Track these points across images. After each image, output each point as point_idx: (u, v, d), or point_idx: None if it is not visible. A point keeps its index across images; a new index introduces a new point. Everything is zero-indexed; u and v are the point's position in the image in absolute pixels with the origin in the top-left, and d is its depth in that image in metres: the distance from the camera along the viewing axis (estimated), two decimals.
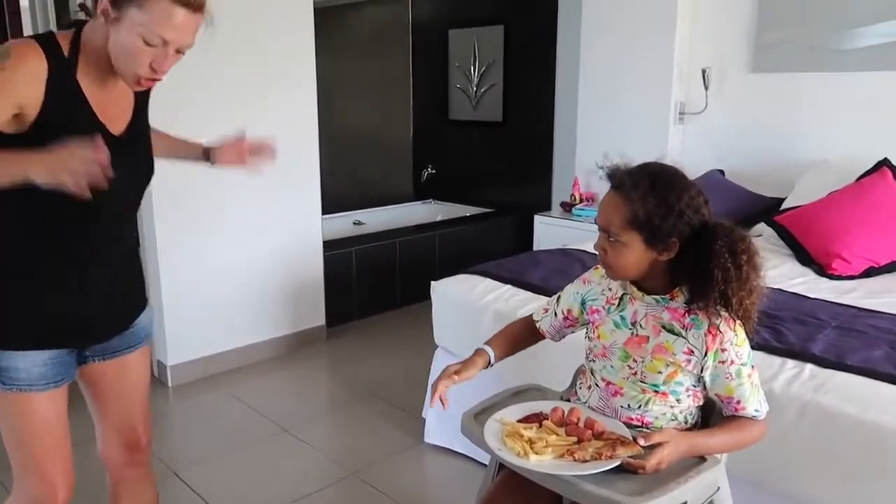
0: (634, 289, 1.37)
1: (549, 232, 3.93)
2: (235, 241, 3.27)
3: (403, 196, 5.57)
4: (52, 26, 3.55)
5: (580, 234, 3.61)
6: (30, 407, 1.36)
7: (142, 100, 1.44)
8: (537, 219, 4.04)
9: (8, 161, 1.17)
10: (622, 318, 1.38)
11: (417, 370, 2.93)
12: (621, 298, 1.40)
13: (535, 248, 3.89)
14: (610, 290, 1.44)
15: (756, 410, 1.32)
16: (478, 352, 1.50)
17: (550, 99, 4.53)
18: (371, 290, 4.04)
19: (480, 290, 2.45)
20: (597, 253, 1.36)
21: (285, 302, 3.52)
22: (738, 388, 1.30)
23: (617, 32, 3.76)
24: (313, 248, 3.61)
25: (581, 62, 3.95)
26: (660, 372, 1.32)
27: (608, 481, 1.19)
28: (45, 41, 1.26)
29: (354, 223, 4.89)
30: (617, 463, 1.21)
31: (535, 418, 1.36)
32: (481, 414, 1.42)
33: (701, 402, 1.39)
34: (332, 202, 4.16)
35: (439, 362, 2.60)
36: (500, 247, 4.39)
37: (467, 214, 4.86)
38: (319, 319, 3.70)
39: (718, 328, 1.28)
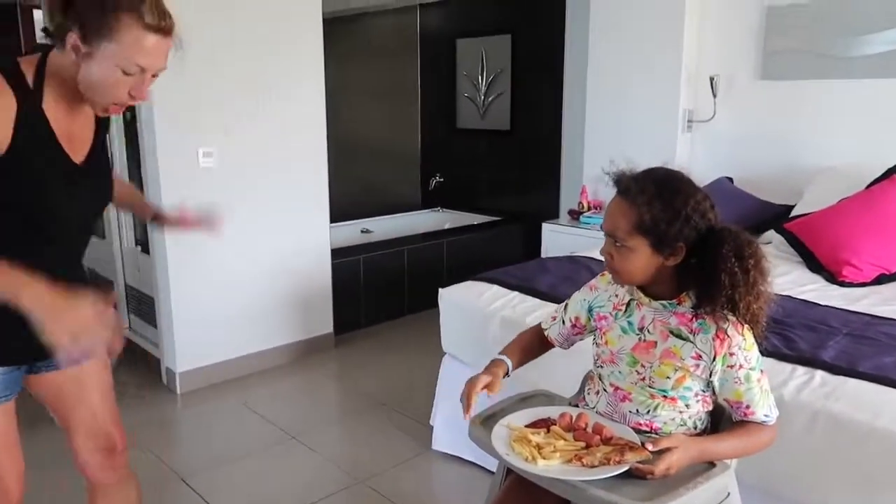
0: (641, 294, 1.37)
1: (556, 240, 3.93)
2: (244, 249, 3.29)
3: (411, 204, 5.59)
4: None
5: (588, 242, 3.60)
6: None
7: (102, 126, 1.45)
8: (545, 226, 4.04)
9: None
10: (629, 323, 1.38)
11: (425, 377, 2.93)
12: (628, 304, 1.40)
13: (543, 255, 3.88)
14: (617, 296, 1.44)
15: (766, 415, 1.31)
16: (495, 362, 1.49)
17: (558, 107, 4.54)
18: (379, 297, 4.04)
19: (488, 296, 2.45)
20: (604, 259, 1.36)
21: (293, 309, 3.53)
22: (746, 393, 1.29)
23: (624, 40, 3.77)
24: (321, 256, 3.62)
25: (589, 70, 3.96)
26: (668, 377, 1.31)
27: (617, 486, 1.19)
28: (10, 73, 1.25)
29: (362, 231, 4.90)
30: (626, 468, 1.20)
31: (543, 423, 1.36)
32: (489, 419, 1.42)
33: (710, 408, 1.38)
34: (340, 210, 4.18)
35: (447, 369, 2.59)
36: (507, 255, 4.39)
37: (475, 223, 4.87)
38: (327, 327, 3.70)
39: (726, 332, 1.27)
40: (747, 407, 1.30)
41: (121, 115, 3.46)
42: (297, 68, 3.34)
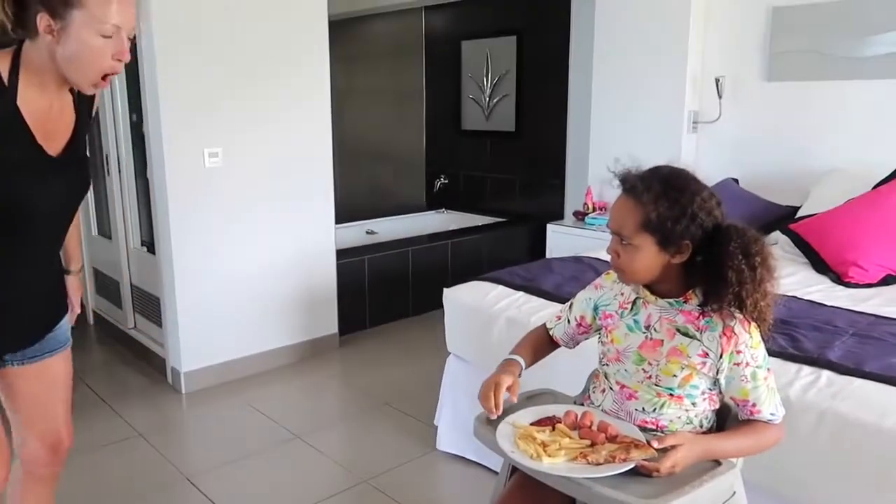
0: (647, 292, 1.37)
1: (561, 241, 3.92)
2: (249, 250, 3.30)
3: (416, 205, 5.59)
4: None
5: (593, 243, 3.60)
6: None
7: (83, 119, 1.46)
8: (550, 227, 4.04)
9: None
10: (635, 321, 1.38)
11: (430, 378, 2.93)
12: (634, 302, 1.40)
13: (548, 257, 3.88)
14: (622, 294, 1.43)
15: (772, 414, 1.30)
16: (510, 362, 1.47)
17: (563, 109, 4.54)
18: (383, 298, 4.05)
19: (493, 296, 2.45)
20: (610, 258, 1.35)
21: (298, 310, 3.54)
22: (753, 391, 1.29)
23: (630, 42, 3.77)
24: (326, 257, 3.63)
25: (594, 72, 3.96)
26: (675, 375, 1.31)
27: (622, 484, 1.18)
28: None
29: (367, 232, 4.91)
30: (631, 466, 1.20)
31: (548, 421, 1.36)
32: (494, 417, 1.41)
33: (717, 406, 1.38)
34: (345, 211, 4.19)
35: (451, 370, 2.59)
36: (512, 256, 4.39)
37: (480, 224, 4.87)
38: (332, 327, 3.71)
39: (733, 330, 1.27)
40: (753, 405, 1.30)
41: (128, 118, 3.47)
42: (302, 70, 3.35)
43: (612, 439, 1.28)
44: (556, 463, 1.23)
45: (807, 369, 1.74)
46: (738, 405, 1.33)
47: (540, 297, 2.39)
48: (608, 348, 1.42)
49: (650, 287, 1.36)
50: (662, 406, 1.34)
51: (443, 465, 2.55)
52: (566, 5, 4.38)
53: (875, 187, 2.81)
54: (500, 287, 2.51)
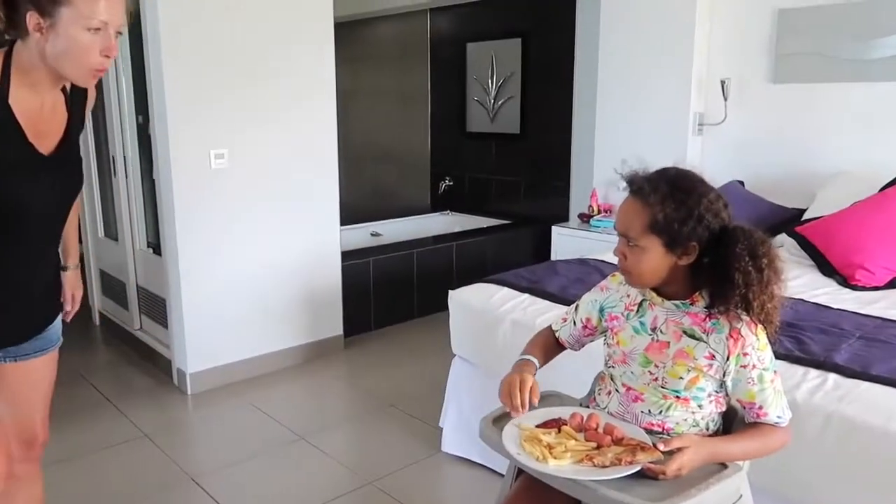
0: (654, 294, 1.37)
1: (566, 243, 3.92)
2: (255, 251, 3.31)
3: (421, 208, 5.60)
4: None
5: (598, 246, 3.60)
6: None
7: (75, 119, 1.48)
8: (555, 230, 4.04)
9: None
10: (642, 323, 1.38)
11: (434, 380, 2.93)
12: (640, 304, 1.40)
13: (553, 259, 3.88)
14: (628, 296, 1.43)
15: (778, 417, 1.30)
16: (525, 362, 1.45)
17: (568, 111, 4.54)
18: (388, 300, 4.05)
19: (498, 298, 2.45)
20: (615, 262, 1.35)
21: (303, 311, 3.54)
22: (760, 394, 1.28)
23: (635, 44, 3.77)
24: (331, 259, 3.64)
25: (599, 74, 3.96)
26: (681, 377, 1.31)
27: (628, 487, 1.18)
28: None
29: (372, 234, 4.92)
30: (637, 468, 1.20)
31: (554, 424, 1.35)
32: (499, 419, 1.42)
33: (723, 409, 1.38)
34: (350, 213, 4.19)
35: (456, 371, 2.59)
36: (517, 258, 4.39)
37: (484, 226, 4.87)
38: (337, 329, 3.71)
39: (740, 332, 1.27)
40: (760, 408, 1.30)
41: (135, 120, 3.49)
42: (308, 72, 3.36)
43: (618, 442, 1.28)
44: (561, 465, 1.23)
45: (813, 372, 1.74)
46: (744, 408, 1.33)
47: (545, 300, 2.39)
48: (614, 350, 1.42)
49: (657, 289, 1.36)
50: (669, 408, 1.34)
51: (448, 467, 2.55)
52: (571, 7, 4.38)
53: (881, 190, 2.80)
54: (506, 289, 2.51)
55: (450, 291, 2.60)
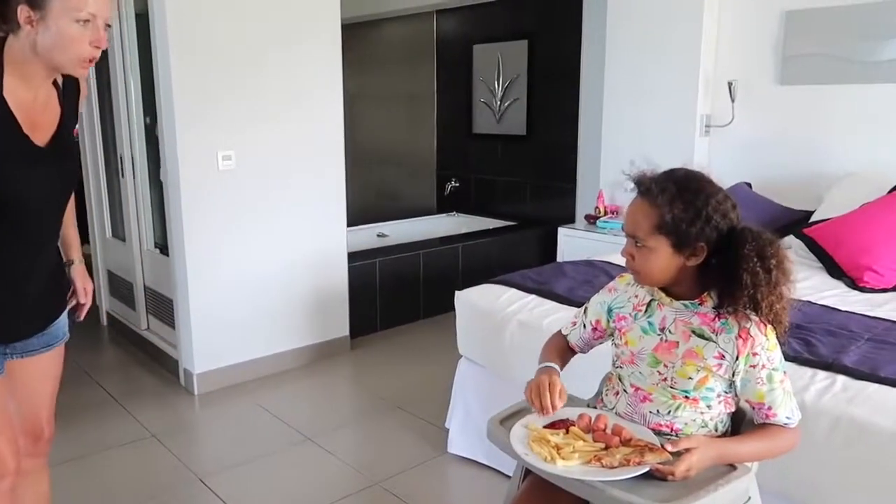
0: (662, 294, 1.37)
1: (573, 244, 3.92)
2: (262, 252, 3.31)
3: (427, 209, 5.60)
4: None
5: (605, 247, 3.59)
6: None
7: (68, 113, 1.50)
8: (561, 231, 4.04)
9: None
10: (650, 323, 1.38)
11: (441, 381, 2.93)
12: (649, 304, 1.39)
13: (560, 260, 3.87)
14: (637, 296, 1.43)
15: (788, 418, 1.30)
16: (548, 369, 1.44)
17: (574, 112, 4.54)
18: (395, 301, 4.05)
19: (504, 300, 2.45)
20: (622, 264, 1.35)
21: (310, 312, 3.55)
22: (769, 394, 1.28)
23: (642, 45, 3.76)
24: (338, 260, 3.64)
25: (606, 75, 3.96)
26: (690, 377, 1.31)
27: (636, 487, 1.18)
28: None
29: (378, 235, 4.92)
30: (645, 469, 1.20)
31: (562, 424, 1.35)
32: (507, 420, 1.42)
33: (732, 409, 1.37)
34: (356, 214, 4.20)
35: (463, 372, 2.59)
36: (523, 259, 4.38)
37: (491, 227, 4.87)
38: (343, 330, 3.72)
39: (749, 332, 1.27)
40: (769, 408, 1.29)
41: (142, 121, 3.50)
42: (315, 73, 3.37)
43: (626, 442, 1.28)
44: (570, 466, 1.23)
45: (822, 374, 1.73)
46: (753, 408, 1.32)
47: (552, 301, 2.38)
48: (622, 350, 1.42)
49: (665, 289, 1.36)
50: (677, 409, 1.33)
51: (454, 468, 2.55)
52: (578, 9, 4.38)
53: (890, 191, 2.79)
54: (512, 290, 2.51)
55: (456, 292, 2.60)
